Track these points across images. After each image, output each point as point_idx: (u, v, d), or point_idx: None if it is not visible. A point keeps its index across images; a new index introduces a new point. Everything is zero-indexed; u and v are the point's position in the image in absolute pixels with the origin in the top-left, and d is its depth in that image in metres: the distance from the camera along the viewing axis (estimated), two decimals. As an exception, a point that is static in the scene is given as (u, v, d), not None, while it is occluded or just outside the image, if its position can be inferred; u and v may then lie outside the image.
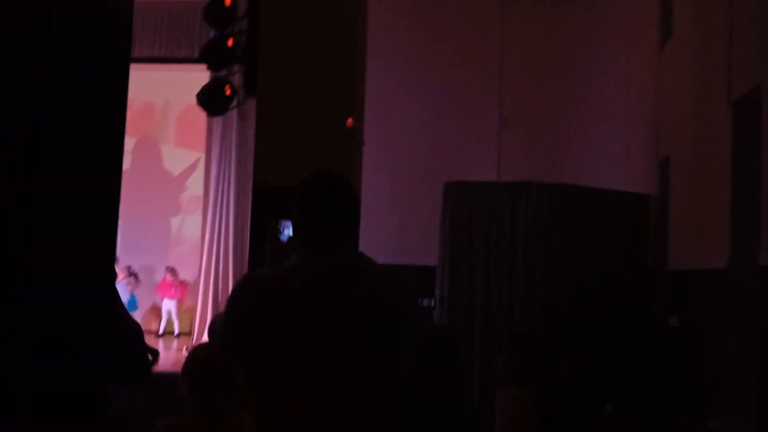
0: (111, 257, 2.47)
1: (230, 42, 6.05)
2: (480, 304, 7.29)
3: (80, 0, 2.03)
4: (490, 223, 7.38)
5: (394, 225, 9.73)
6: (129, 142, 13.51)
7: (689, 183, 6.57)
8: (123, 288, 12.01)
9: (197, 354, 3.18)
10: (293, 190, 5.75)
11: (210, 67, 6.26)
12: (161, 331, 12.31)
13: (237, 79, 6.24)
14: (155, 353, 4.34)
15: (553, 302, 7.11)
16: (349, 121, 5.87)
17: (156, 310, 12.69)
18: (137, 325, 2.65)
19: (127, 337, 2.51)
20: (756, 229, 4.93)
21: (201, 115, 8.95)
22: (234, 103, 6.34)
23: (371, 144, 9.66)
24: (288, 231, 2.63)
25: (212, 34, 6.15)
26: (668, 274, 7.07)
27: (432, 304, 7.61)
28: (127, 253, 10.97)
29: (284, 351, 2.39)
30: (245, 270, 10.27)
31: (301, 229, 2.56)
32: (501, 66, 9.99)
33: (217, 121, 7.89)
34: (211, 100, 6.29)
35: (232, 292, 2.56)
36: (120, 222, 2.51)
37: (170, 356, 10.17)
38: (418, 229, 9.30)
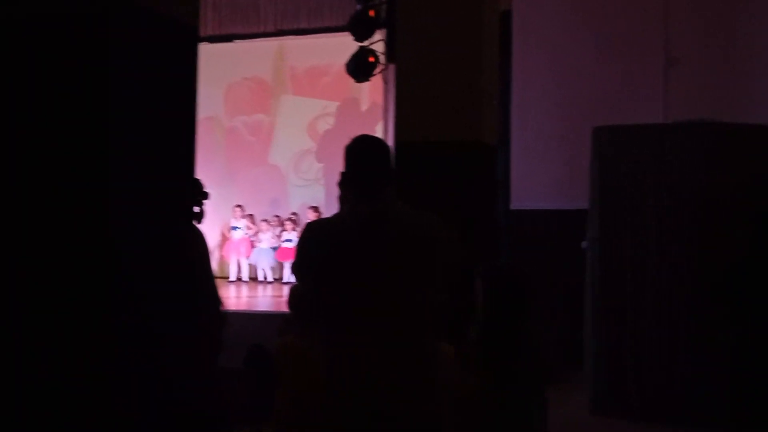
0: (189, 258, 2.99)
1: (372, 13, 6.61)
2: (630, 245, 7.47)
3: (146, 15, 2.58)
4: (637, 165, 7.50)
5: (559, 170, 9.97)
6: (331, 105, 14.79)
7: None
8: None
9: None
10: (432, 145, 6.44)
11: (355, 37, 6.85)
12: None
13: (380, 47, 6.78)
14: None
15: (704, 242, 7.16)
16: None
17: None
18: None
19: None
20: None
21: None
22: (377, 70, 6.90)
23: (531, 92, 9.95)
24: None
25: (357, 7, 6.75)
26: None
27: (584, 246, 7.86)
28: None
29: (332, 284, 2.95)
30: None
31: (348, 184, 3.10)
32: (666, 4, 9.85)
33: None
34: (357, 67, 6.90)
35: (299, 236, 3.16)
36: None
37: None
38: (583, 174, 9.47)
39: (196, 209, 4.66)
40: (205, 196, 4.81)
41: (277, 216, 14.42)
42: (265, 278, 14.01)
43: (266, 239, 14.06)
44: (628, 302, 7.43)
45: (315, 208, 13.51)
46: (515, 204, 10.31)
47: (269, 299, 12.20)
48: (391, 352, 2.86)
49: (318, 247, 2.98)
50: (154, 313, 2.58)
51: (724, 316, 5.43)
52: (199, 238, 4.56)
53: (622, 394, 7.34)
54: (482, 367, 3.43)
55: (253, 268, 14.38)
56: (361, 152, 3.03)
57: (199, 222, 4.70)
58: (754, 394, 5.15)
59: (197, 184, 4.64)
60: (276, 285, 13.49)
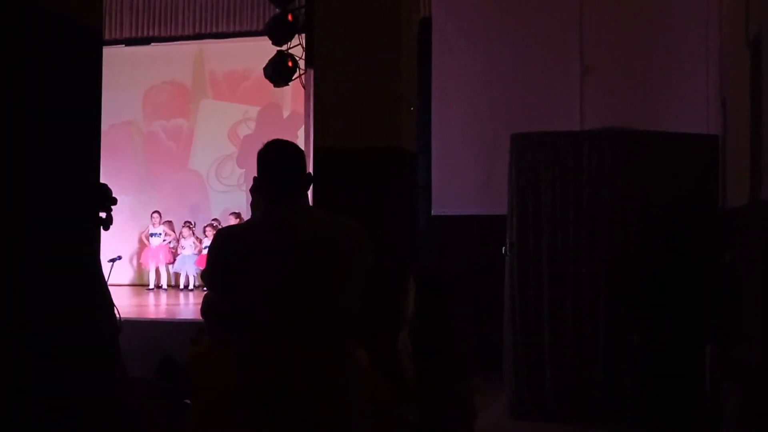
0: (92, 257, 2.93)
1: (290, 17, 6.58)
2: (547, 250, 7.59)
3: (46, 15, 2.50)
4: (554, 172, 7.63)
5: (478, 177, 10.08)
6: (252, 110, 14.65)
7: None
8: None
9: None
10: (351, 151, 6.41)
11: (273, 42, 6.80)
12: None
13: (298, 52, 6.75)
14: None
15: (618, 246, 7.32)
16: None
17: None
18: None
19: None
20: None
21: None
22: (295, 74, 6.86)
23: (451, 99, 10.05)
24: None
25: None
26: (725, 212, 7.16)
27: (504, 251, 7.96)
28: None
29: (244, 291, 2.90)
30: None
31: (261, 190, 3.06)
32: (581, 13, 10.06)
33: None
34: (275, 72, 6.85)
35: (210, 243, 3.10)
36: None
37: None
38: (502, 180, 9.58)
39: (103, 215, 4.54)
40: (113, 201, 4.69)
41: (187, 222, 14.23)
42: (187, 286, 13.80)
43: (189, 245, 13.86)
44: (545, 307, 7.54)
45: (237, 215, 13.36)
46: (436, 210, 10.39)
47: (191, 307, 12.00)
48: (305, 358, 2.84)
49: (230, 255, 2.93)
50: (48, 321, 2.50)
51: (633, 319, 5.57)
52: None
53: (540, 397, 7.44)
54: (414, 357, 3.97)
55: (175, 276, 14.15)
56: (274, 158, 2.99)
57: (107, 229, 4.58)
58: (660, 393, 5.28)
59: (104, 190, 4.52)
60: (197, 292, 13.29)
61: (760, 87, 5.35)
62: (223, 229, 3.15)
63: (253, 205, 3.21)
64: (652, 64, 9.71)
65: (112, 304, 4.77)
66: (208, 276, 3.04)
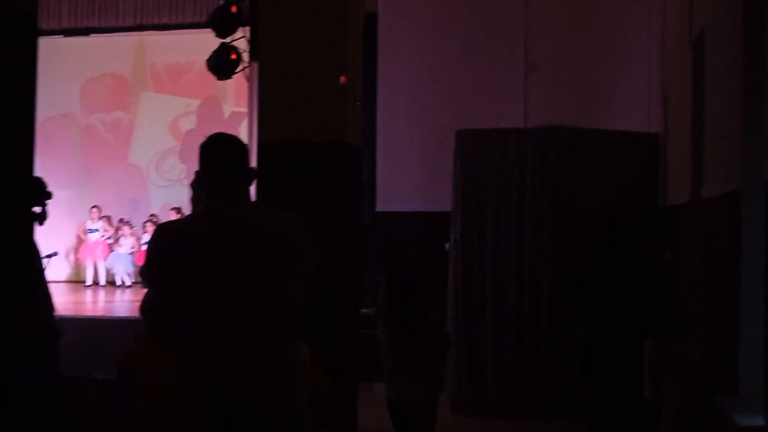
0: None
1: (234, 9, 6.46)
2: (490, 246, 7.62)
3: None
4: (499, 168, 7.66)
5: (424, 172, 10.08)
6: (193, 104, 14.43)
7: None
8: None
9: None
10: (296, 146, 6.29)
11: (217, 34, 6.68)
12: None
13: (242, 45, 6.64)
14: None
15: (561, 243, 7.38)
16: (342, 78, 6.17)
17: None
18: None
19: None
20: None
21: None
22: (239, 68, 6.75)
23: (397, 95, 10.03)
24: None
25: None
26: (666, 209, 7.27)
27: (447, 247, 7.96)
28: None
29: (185, 288, 2.82)
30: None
31: (202, 184, 2.97)
32: (526, 11, 10.12)
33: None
34: (219, 64, 6.72)
35: (149, 238, 3.00)
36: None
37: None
38: (447, 176, 9.58)
39: (37, 209, 4.37)
40: (48, 195, 4.53)
41: (123, 219, 13.98)
42: (123, 283, 13.55)
43: (126, 244, 13.62)
44: (488, 303, 7.57)
45: (178, 210, 13.15)
46: (381, 206, 10.35)
47: (128, 304, 11.78)
48: (247, 356, 2.77)
49: (170, 250, 2.83)
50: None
51: (576, 316, 5.59)
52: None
53: (482, 393, 7.46)
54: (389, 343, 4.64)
55: (110, 272, 13.88)
56: (217, 151, 2.91)
57: (41, 223, 4.42)
58: (601, 389, 5.32)
59: (38, 184, 4.36)
60: (135, 289, 13.05)
61: (702, 87, 5.42)
62: (164, 223, 3.06)
63: (193, 200, 3.11)
64: (595, 62, 9.82)
65: (51, 303, 4.62)
66: (146, 272, 2.95)
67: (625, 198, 7.21)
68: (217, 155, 2.90)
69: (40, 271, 4.40)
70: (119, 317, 10.56)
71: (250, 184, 2.97)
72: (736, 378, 4.27)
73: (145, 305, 3.25)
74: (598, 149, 7.60)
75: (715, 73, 5.10)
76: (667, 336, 5.84)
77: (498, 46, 10.13)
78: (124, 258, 13.59)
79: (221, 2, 6.66)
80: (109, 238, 13.91)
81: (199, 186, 2.96)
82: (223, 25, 6.58)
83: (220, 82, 9.45)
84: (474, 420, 7.29)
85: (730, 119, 4.57)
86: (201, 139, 2.93)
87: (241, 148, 2.93)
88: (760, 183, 3.92)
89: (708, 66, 5.29)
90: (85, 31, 14.23)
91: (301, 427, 2.87)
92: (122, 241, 13.64)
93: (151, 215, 13.77)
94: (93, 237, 13.84)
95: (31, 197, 3.03)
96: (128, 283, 13.54)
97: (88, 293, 13.25)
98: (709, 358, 5.20)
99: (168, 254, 2.83)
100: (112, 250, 13.81)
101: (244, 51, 6.58)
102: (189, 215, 3.04)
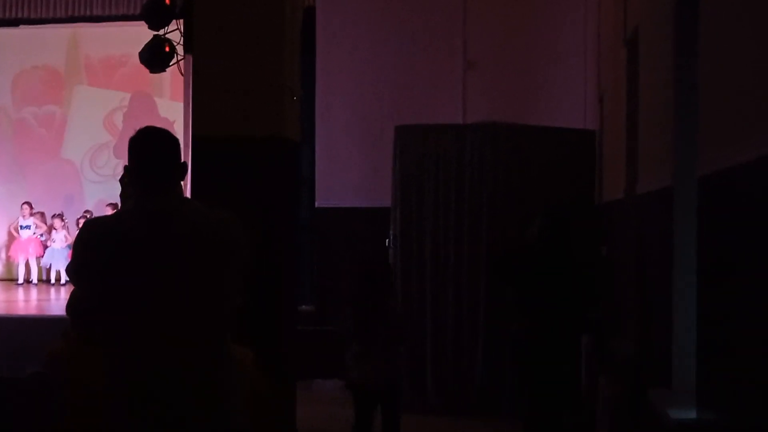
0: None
1: (167, 1, 6.33)
2: (430, 242, 7.63)
3: None
4: (438, 164, 7.67)
5: (363, 168, 10.04)
6: (128, 97, 14.15)
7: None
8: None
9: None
10: (230, 140, 6.17)
11: (150, 26, 6.53)
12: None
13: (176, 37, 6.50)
14: None
15: (499, 239, 7.41)
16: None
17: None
18: None
19: None
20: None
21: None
22: (173, 60, 6.62)
23: (335, 90, 9.99)
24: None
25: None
26: (601, 205, 7.37)
27: (387, 243, 7.95)
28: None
29: (113, 286, 2.73)
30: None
31: (132, 179, 2.89)
32: (465, 8, 10.15)
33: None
34: (152, 57, 6.59)
35: (77, 235, 2.91)
36: None
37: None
38: (387, 171, 9.57)
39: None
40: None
41: (57, 214, 13.66)
42: (59, 280, 13.23)
43: (59, 239, 13.30)
44: (427, 298, 7.57)
45: (114, 206, 12.83)
46: (320, 202, 10.29)
47: (62, 302, 11.51)
48: (177, 353, 2.70)
49: (98, 247, 2.75)
50: None
51: (512, 311, 5.62)
52: None
53: (421, 389, 7.47)
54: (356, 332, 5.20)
55: (46, 270, 13.55)
56: (147, 145, 2.83)
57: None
58: (536, 385, 5.35)
59: None
60: (69, 287, 12.77)
61: (636, 84, 5.49)
62: (91, 219, 2.98)
63: (123, 196, 3.04)
64: (532, 60, 9.89)
65: None
66: (74, 270, 2.86)
67: (562, 194, 7.28)
68: (147, 149, 2.83)
69: None
70: (51, 316, 10.32)
71: (181, 179, 2.90)
72: (669, 373, 4.33)
73: (72, 303, 3.14)
74: (535, 145, 7.67)
75: (649, 70, 5.18)
76: (601, 332, 5.90)
77: (437, 43, 10.14)
78: (59, 253, 13.27)
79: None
80: (41, 234, 13.58)
81: (129, 181, 2.89)
82: (156, 17, 6.43)
83: (156, 76, 9.28)
84: (412, 417, 7.27)
85: (663, 116, 4.64)
86: (134, 133, 2.85)
87: (172, 142, 2.86)
88: (693, 180, 3.97)
89: (642, 63, 5.36)
90: (15, 22, 13.84)
91: (233, 426, 2.81)
92: (54, 235, 13.32)
93: (86, 211, 13.47)
94: (25, 234, 13.50)
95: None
96: (63, 280, 13.25)
97: (20, 291, 12.93)
98: (641, 353, 5.27)
99: (95, 251, 2.75)
100: (46, 247, 13.49)
101: (178, 43, 6.45)
102: (118, 211, 2.97)
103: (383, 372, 5.21)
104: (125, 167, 2.89)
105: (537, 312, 5.32)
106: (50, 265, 13.38)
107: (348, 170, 10.17)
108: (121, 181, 3.05)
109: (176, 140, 2.90)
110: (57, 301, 11.87)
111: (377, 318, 5.21)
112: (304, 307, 8.28)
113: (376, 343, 5.20)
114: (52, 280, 13.31)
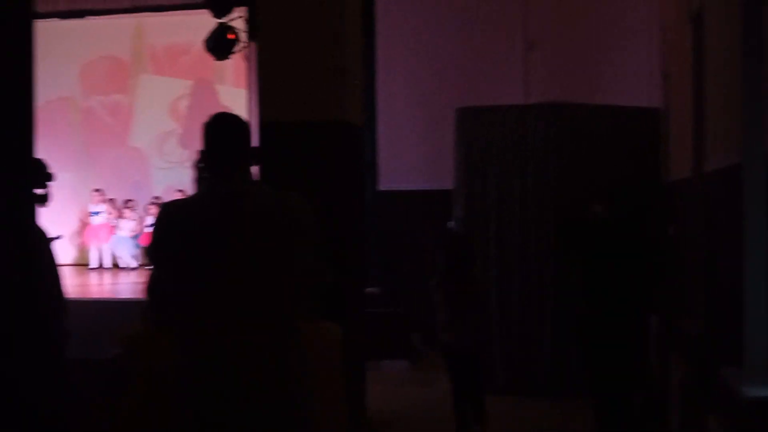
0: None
1: (231, -12, 6.44)
2: (494, 225, 7.60)
3: None
4: (500, 146, 7.63)
5: (425, 151, 10.07)
6: (192, 85, 14.36)
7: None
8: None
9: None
10: (297, 125, 6.27)
11: (214, 14, 6.64)
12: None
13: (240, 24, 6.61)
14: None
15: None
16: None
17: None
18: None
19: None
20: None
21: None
22: (238, 47, 6.72)
23: (396, 74, 10.01)
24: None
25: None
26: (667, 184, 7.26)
27: (450, 225, 7.96)
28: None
29: (190, 266, 2.82)
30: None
31: (206, 163, 2.97)
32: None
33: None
34: (217, 45, 6.69)
35: (155, 218, 3.00)
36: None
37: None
38: (448, 154, 9.56)
39: (40, 191, 4.37)
40: (49, 177, 4.52)
41: (128, 200, 13.98)
42: (128, 266, 13.57)
43: (127, 227, 13.63)
44: (493, 282, 7.56)
45: (182, 191, 13.15)
46: (383, 185, 10.35)
47: (132, 286, 11.81)
48: (250, 336, 2.77)
49: (174, 229, 2.84)
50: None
51: (579, 292, 5.58)
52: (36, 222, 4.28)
53: (490, 371, 7.46)
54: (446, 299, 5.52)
55: (111, 256, 13.91)
56: (218, 130, 2.91)
57: (44, 205, 4.42)
58: (604, 364, 5.32)
59: (39, 165, 4.36)
60: (141, 271, 13.09)
61: (702, 61, 5.39)
62: (168, 202, 3.06)
63: (198, 180, 3.12)
64: (594, 39, 9.78)
65: (59, 286, 4.60)
66: (152, 251, 2.96)
67: (628, 173, 7.19)
68: (220, 134, 2.91)
69: (48, 252, 4.39)
70: (124, 299, 10.59)
71: (253, 163, 2.97)
72: (741, 351, 4.28)
73: (150, 285, 3.23)
74: (599, 125, 7.57)
75: (715, 47, 5.08)
76: (670, 311, 5.84)
77: (497, 23, 10.08)
78: (126, 241, 13.61)
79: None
80: (114, 219, 13.92)
81: (203, 165, 2.97)
82: (219, 5, 6.54)
83: (217, 63, 9.42)
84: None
85: (730, 93, 4.56)
86: (201, 120, 2.93)
87: (243, 126, 2.94)
88: (761, 156, 3.91)
89: (708, 40, 5.27)
90: (81, 14, 14.15)
91: (304, 406, 2.87)
92: (122, 224, 13.65)
93: (155, 197, 13.78)
94: (96, 220, 13.86)
95: (33, 179, 3.02)
96: (133, 265, 13.57)
97: (93, 276, 13.28)
98: (711, 332, 5.21)
99: (172, 232, 2.84)
100: (113, 234, 13.84)
101: (242, 31, 6.54)
102: (193, 194, 3.05)
103: (471, 336, 5.59)
104: (199, 151, 2.97)
105: (604, 292, 5.29)
106: (115, 251, 13.72)
107: (409, 153, 10.21)
108: (195, 165, 3.12)
109: (247, 125, 2.97)
110: (127, 285, 12.17)
111: (463, 287, 5.57)
112: (370, 289, 8.34)
113: (464, 310, 5.54)
114: (121, 266, 13.65)
